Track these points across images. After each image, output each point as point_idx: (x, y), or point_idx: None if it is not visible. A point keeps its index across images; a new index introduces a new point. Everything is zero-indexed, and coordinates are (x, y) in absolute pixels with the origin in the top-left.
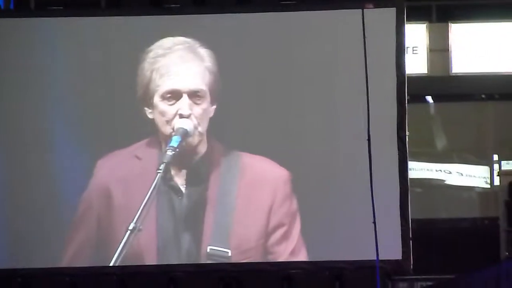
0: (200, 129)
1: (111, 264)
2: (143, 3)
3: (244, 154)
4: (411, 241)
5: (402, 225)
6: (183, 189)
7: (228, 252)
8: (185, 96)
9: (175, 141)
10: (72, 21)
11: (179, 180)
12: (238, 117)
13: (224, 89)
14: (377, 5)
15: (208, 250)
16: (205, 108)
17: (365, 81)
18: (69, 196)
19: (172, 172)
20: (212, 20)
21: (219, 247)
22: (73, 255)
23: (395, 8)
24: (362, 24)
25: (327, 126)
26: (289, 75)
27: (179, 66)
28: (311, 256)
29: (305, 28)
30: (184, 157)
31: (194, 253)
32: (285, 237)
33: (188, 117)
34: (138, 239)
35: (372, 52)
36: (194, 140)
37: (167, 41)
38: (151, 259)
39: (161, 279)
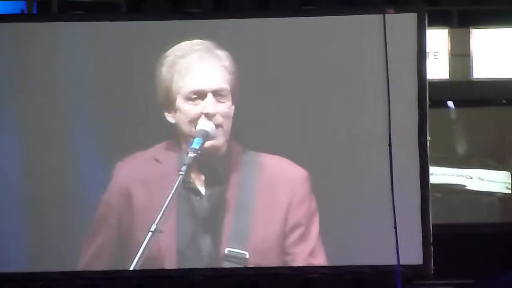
0: (225, 128)
1: (132, 267)
2: (164, 8)
3: (262, 155)
4: (431, 246)
5: (422, 230)
6: (202, 190)
7: (246, 254)
8: (209, 95)
9: (197, 143)
10: (93, 25)
11: (199, 182)
12: (256, 118)
13: (242, 90)
14: (398, 11)
15: (226, 252)
16: (228, 107)
17: (386, 85)
18: (88, 198)
19: (192, 174)
20: (230, 24)
21: (237, 249)
22: (93, 257)
23: (416, 14)
24: (383, 29)
25: (348, 130)
26: (309, 78)
27: (200, 66)
28: (330, 260)
29: (325, 32)
30: (205, 158)
31: (213, 255)
32: (303, 238)
33: (214, 116)
34: (158, 241)
35: (393, 57)
36: (219, 140)
37: (185, 44)
38: (170, 262)
39: (180, 283)
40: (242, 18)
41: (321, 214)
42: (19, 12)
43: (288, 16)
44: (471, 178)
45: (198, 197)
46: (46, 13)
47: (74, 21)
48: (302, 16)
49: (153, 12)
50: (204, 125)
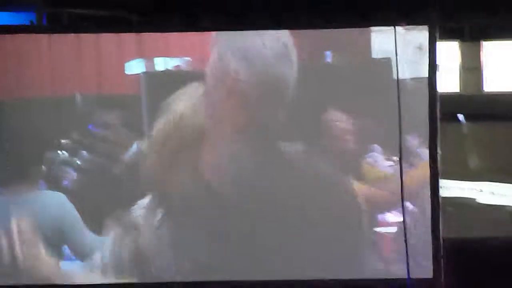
0: None
1: None
2: (176, 21)
3: None
4: (442, 260)
5: (433, 244)
6: None
7: None
8: None
9: None
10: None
11: None
12: None
13: None
14: (409, 23)
15: None
16: None
17: (397, 99)
18: None
19: None
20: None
21: None
22: None
23: (427, 26)
24: (394, 41)
25: (359, 142)
26: (319, 90)
27: None
28: (341, 274)
29: (336, 44)
30: None
31: None
32: None
33: None
34: None
35: (404, 70)
36: None
37: None
38: None
39: None
40: (253, 30)
41: (333, 227)
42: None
43: (297, 28)
44: (482, 191)
45: None
46: (56, 24)
47: (85, 32)
48: (312, 29)
49: (166, 25)
50: None
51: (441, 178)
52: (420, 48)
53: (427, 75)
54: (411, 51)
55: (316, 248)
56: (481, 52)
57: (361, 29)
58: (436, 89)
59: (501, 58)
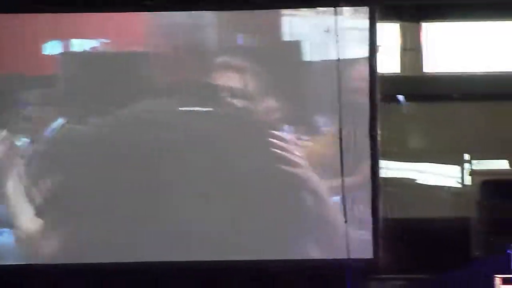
0: None
1: None
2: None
3: None
4: (383, 241)
5: (373, 224)
6: None
7: None
8: None
9: None
10: None
11: None
12: None
13: None
14: (350, 4)
15: None
16: None
17: (337, 79)
18: None
19: None
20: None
21: None
22: None
23: (367, 7)
24: (335, 22)
25: (300, 123)
26: (258, 71)
27: None
28: (282, 254)
29: (276, 25)
30: None
31: None
32: None
33: None
34: None
35: (344, 51)
36: None
37: None
38: None
39: None
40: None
41: (274, 209)
42: None
43: (239, 9)
44: (423, 172)
45: None
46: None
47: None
48: (253, 9)
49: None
50: None
51: (381, 159)
52: (327, 31)
53: (367, 56)
54: (351, 32)
55: (254, 230)
56: (420, 33)
57: (272, 11)
58: (376, 69)
59: (441, 39)
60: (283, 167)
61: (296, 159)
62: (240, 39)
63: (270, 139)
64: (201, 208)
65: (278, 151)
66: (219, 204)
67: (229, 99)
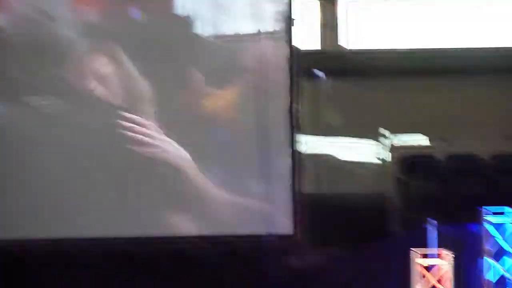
0: None
1: None
2: None
3: None
4: (303, 216)
5: (294, 200)
6: None
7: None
8: None
9: None
10: None
11: None
12: None
13: None
14: None
15: None
16: None
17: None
18: None
19: None
20: None
21: None
22: None
23: None
24: None
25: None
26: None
27: None
28: (201, 230)
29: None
30: None
31: None
32: None
33: None
34: None
35: (265, 27)
36: None
37: None
38: None
39: None
40: None
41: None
42: None
43: None
44: (343, 148)
45: None
46: None
47: None
48: None
49: None
50: None
51: (300, 134)
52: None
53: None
54: (270, 8)
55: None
56: (339, 10)
57: None
58: (295, 46)
59: (361, 16)
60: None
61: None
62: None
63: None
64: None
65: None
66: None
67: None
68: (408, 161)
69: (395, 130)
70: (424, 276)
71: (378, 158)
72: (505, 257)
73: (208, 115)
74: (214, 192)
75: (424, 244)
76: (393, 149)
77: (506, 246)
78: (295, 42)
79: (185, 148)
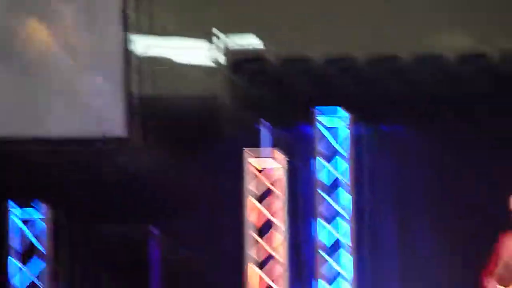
0: None
1: None
2: None
3: None
4: (136, 117)
5: (126, 101)
6: None
7: None
8: None
9: None
10: None
11: None
12: None
13: None
14: None
15: None
16: None
17: None
18: None
19: None
20: None
21: None
22: None
23: None
24: None
25: None
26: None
27: None
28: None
29: None
30: None
31: None
32: None
33: None
34: None
35: None
36: None
37: None
38: None
39: None
40: None
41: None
42: None
43: None
44: (176, 49)
45: None
46: None
47: None
48: None
49: None
50: None
51: (132, 34)
52: None
53: None
54: None
55: None
56: None
57: None
58: None
59: None
60: None
61: None
62: None
63: None
64: None
65: None
66: None
67: None
68: (241, 62)
69: (229, 31)
70: (256, 176)
71: (212, 60)
72: (337, 158)
73: None
74: None
75: (258, 146)
76: (226, 50)
77: (338, 148)
78: None
79: None
